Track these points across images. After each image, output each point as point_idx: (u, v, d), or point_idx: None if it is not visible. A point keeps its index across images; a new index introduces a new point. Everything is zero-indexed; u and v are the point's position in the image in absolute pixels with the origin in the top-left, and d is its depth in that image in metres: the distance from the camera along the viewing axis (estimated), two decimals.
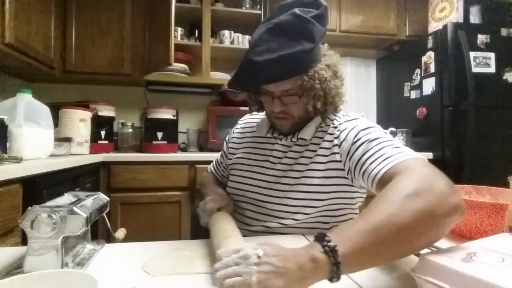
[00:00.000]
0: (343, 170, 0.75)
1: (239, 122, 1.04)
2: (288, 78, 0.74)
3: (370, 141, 0.67)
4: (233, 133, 1.02)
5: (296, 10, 0.72)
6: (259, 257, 0.41)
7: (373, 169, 0.61)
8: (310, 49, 0.71)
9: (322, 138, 0.80)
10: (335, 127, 0.78)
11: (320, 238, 0.43)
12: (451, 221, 0.47)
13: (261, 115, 0.97)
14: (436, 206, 0.45)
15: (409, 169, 0.54)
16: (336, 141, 0.76)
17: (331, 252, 0.41)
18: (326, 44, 0.84)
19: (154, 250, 0.64)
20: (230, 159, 0.97)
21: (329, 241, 0.42)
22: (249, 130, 0.97)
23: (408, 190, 0.47)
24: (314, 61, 0.75)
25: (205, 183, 1.01)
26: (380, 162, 0.61)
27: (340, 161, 0.75)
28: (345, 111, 0.88)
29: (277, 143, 0.86)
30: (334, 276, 0.41)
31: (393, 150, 0.61)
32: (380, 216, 0.44)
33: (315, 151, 0.79)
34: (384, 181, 0.57)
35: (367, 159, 0.65)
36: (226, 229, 0.66)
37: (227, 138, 1.04)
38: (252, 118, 1.00)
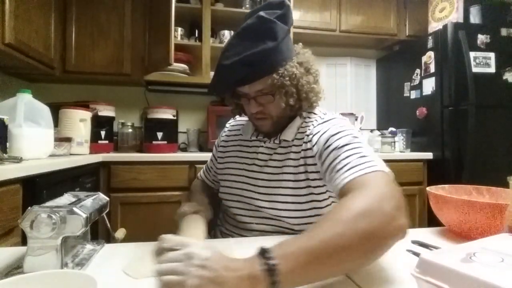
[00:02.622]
0: (319, 172, 0.75)
1: (226, 125, 1.03)
2: (258, 79, 0.75)
3: (339, 147, 0.68)
4: (221, 136, 1.02)
5: (261, 13, 0.74)
6: (203, 259, 0.40)
7: (337, 179, 0.63)
8: (273, 47, 0.72)
9: (302, 139, 0.80)
10: (311, 130, 0.79)
11: (262, 253, 0.43)
12: (393, 242, 0.49)
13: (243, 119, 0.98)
14: (380, 228, 0.47)
15: (365, 186, 0.56)
16: (309, 145, 0.77)
17: (270, 271, 0.41)
18: (300, 44, 0.85)
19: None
20: (220, 163, 0.97)
21: (270, 258, 0.42)
22: (235, 133, 0.98)
23: (356, 210, 0.48)
24: (283, 60, 0.76)
25: (192, 192, 1.01)
26: (344, 173, 0.62)
27: (315, 164, 0.76)
28: (327, 109, 0.88)
29: (262, 146, 0.86)
30: None
31: (358, 160, 0.62)
32: (325, 235, 0.45)
33: (298, 152, 0.80)
34: (343, 193, 0.59)
35: (334, 167, 0.66)
36: (189, 229, 0.67)
37: (216, 143, 1.03)
38: (239, 121, 1.01)
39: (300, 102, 0.80)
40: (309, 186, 0.78)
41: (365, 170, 0.59)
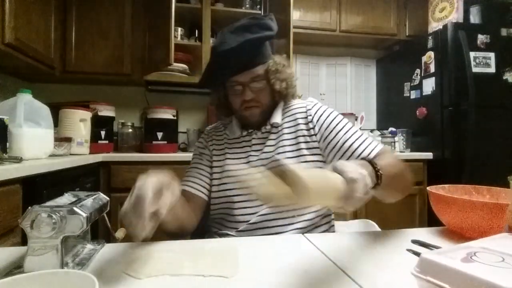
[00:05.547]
0: (316, 148, 0.86)
1: (202, 135, 1.01)
2: (258, 65, 0.84)
3: (344, 127, 0.85)
4: (200, 143, 0.99)
5: (251, 17, 0.86)
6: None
7: (363, 151, 0.81)
8: (271, 35, 0.84)
9: (295, 117, 0.90)
10: (301, 105, 0.91)
11: (371, 163, 0.61)
12: (409, 186, 0.80)
13: (219, 123, 1.02)
14: (406, 171, 0.76)
15: (389, 152, 0.85)
16: (309, 118, 0.88)
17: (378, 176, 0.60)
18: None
19: (153, 250, 0.64)
20: (215, 166, 0.93)
21: (377, 167, 0.60)
22: (218, 137, 0.96)
23: (397, 160, 0.76)
24: (272, 53, 0.89)
25: None
26: (367, 147, 0.82)
27: (315, 135, 0.86)
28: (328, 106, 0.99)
29: (254, 138, 0.90)
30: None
31: (368, 140, 0.84)
32: (392, 169, 0.68)
33: (292, 133, 0.88)
34: (377, 157, 0.79)
35: (352, 143, 0.82)
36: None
37: (197, 151, 0.98)
38: (213, 128, 1.01)
39: (286, 90, 0.90)
40: (305, 161, 0.85)
41: (380, 146, 0.83)
